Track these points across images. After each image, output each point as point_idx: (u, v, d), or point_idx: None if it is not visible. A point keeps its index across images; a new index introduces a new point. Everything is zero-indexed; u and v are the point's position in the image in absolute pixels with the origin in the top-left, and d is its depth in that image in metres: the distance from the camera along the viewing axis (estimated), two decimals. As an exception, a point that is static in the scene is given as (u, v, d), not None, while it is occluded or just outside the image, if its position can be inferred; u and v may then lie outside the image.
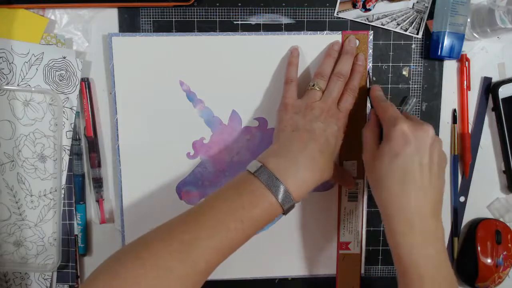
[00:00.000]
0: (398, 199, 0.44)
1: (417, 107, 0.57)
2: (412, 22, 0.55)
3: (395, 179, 0.44)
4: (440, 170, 0.46)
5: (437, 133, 0.57)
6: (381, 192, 0.46)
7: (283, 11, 0.54)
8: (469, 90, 0.57)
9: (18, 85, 0.53)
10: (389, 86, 0.56)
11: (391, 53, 0.56)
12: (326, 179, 0.48)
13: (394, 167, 0.44)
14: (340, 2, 0.54)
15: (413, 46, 0.56)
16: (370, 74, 0.55)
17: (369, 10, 0.54)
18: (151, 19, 0.53)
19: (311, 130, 0.47)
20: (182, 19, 0.54)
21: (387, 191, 0.45)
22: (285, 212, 0.45)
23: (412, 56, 0.56)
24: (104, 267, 0.41)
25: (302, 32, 0.54)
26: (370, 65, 0.55)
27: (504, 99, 0.56)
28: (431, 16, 0.55)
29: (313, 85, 0.50)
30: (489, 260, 0.58)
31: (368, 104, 0.55)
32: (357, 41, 0.54)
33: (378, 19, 0.55)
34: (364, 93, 0.55)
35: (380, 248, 0.59)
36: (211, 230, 0.42)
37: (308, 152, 0.46)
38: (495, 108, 0.57)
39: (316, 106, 0.49)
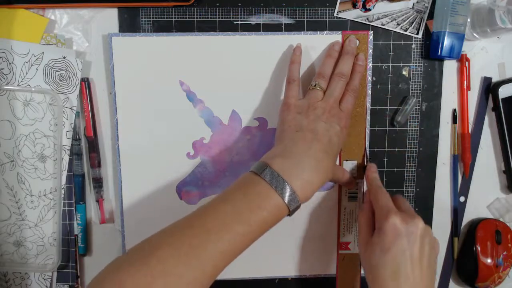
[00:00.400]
0: None
1: (417, 107, 0.57)
2: (412, 22, 0.55)
3: (387, 274, 0.45)
4: (431, 260, 0.47)
5: (437, 133, 0.57)
6: (373, 283, 0.46)
7: (283, 11, 0.54)
8: (469, 90, 0.57)
9: (18, 85, 0.53)
10: (389, 86, 0.56)
11: (391, 53, 0.56)
12: (330, 179, 0.48)
13: (385, 261, 0.45)
14: (340, 2, 0.54)
15: (413, 46, 0.56)
16: (367, 148, 0.56)
17: (369, 10, 0.54)
18: (151, 19, 0.53)
19: (314, 130, 0.47)
20: (182, 19, 0.54)
21: (378, 285, 0.45)
22: (290, 213, 0.45)
23: (412, 56, 0.56)
24: (108, 274, 0.40)
25: (302, 32, 0.54)
26: (370, 65, 0.55)
27: (504, 99, 0.56)
28: (431, 16, 0.55)
29: (315, 85, 0.50)
30: (489, 260, 0.58)
31: (369, 105, 0.55)
32: (358, 41, 0.54)
33: (378, 19, 0.55)
34: (363, 93, 0.55)
35: (380, 248, 0.59)
36: (219, 234, 0.42)
37: (312, 152, 0.46)
38: (495, 108, 0.57)
39: (319, 106, 0.48)
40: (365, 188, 0.57)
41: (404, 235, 0.45)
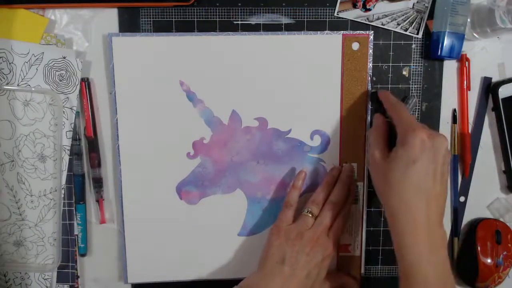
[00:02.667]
0: (409, 207, 0.45)
1: (417, 107, 0.57)
2: (412, 22, 0.55)
3: (410, 186, 0.45)
4: (447, 180, 0.48)
5: (437, 133, 0.57)
6: (392, 198, 0.46)
7: (283, 11, 0.54)
8: (469, 90, 0.57)
9: (18, 85, 0.53)
10: (389, 86, 0.56)
11: (391, 53, 0.56)
12: None
13: (409, 174, 0.45)
14: (340, 2, 0.54)
15: (413, 46, 0.56)
16: (371, 75, 0.55)
17: (369, 10, 0.54)
18: (151, 19, 0.53)
19: (295, 263, 0.49)
20: (182, 19, 0.54)
21: (399, 198, 0.45)
22: None
23: (412, 56, 0.56)
24: None
25: (302, 32, 0.54)
26: (370, 65, 0.55)
27: (504, 99, 0.56)
28: (431, 16, 0.55)
29: (307, 211, 0.52)
30: (489, 260, 0.58)
31: (369, 106, 0.55)
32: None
33: (378, 19, 0.55)
34: (363, 93, 0.55)
35: (380, 248, 0.59)
36: None
37: None
38: (495, 108, 0.57)
39: (306, 235, 0.51)
40: (365, 195, 0.57)
41: (431, 150, 0.45)
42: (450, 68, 0.57)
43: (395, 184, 0.46)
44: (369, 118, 0.56)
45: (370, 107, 0.55)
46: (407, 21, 0.55)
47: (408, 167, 0.45)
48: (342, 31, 0.54)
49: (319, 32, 0.54)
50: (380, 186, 0.49)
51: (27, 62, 0.52)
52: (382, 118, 0.52)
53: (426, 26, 0.55)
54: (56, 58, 0.52)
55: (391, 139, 0.50)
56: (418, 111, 0.57)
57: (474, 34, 0.54)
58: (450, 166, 0.48)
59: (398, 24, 0.55)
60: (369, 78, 0.55)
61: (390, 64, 0.56)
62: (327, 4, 0.54)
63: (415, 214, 0.45)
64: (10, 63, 0.52)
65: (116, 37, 0.53)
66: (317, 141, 0.56)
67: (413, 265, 0.44)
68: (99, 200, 0.56)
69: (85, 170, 0.56)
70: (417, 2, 0.54)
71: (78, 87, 0.53)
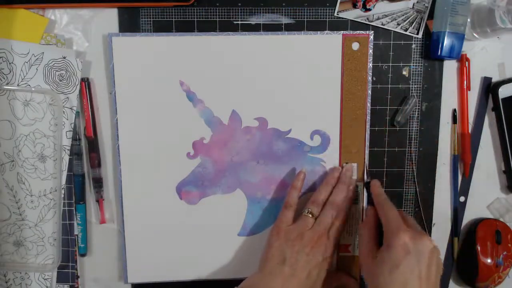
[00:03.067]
0: None
1: (417, 107, 0.57)
2: (412, 22, 0.55)
3: None
4: (437, 279, 0.47)
5: (437, 133, 0.57)
6: None
7: (283, 11, 0.54)
8: (469, 90, 0.57)
9: (18, 85, 0.53)
10: (389, 86, 0.56)
11: (391, 53, 0.56)
12: None
13: (394, 279, 0.45)
14: (340, 2, 0.54)
15: (413, 46, 0.56)
16: (367, 167, 0.56)
17: (369, 10, 0.54)
18: (151, 19, 0.53)
19: (295, 263, 0.50)
20: (182, 19, 0.54)
21: None
22: None
23: (412, 56, 0.56)
24: None
25: (302, 32, 0.54)
26: (370, 65, 0.55)
27: (504, 99, 0.56)
28: (431, 16, 0.55)
29: (307, 212, 0.52)
30: (489, 260, 0.58)
31: (369, 106, 0.55)
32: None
33: (378, 19, 0.55)
34: (363, 93, 0.55)
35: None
36: None
37: None
38: (495, 108, 0.57)
39: (306, 236, 0.51)
40: (365, 196, 0.57)
41: (414, 253, 0.45)
42: (450, 68, 0.57)
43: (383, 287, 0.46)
44: (369, 118, 0.56)
45: (369, 106, 0.55)
46: (407, 21, 0.55)
47: (392, 272, 0.45)
48: (342, 31, 0.54)
49: (319, 32, 0.54)
50: (367, 281, 0.49)
51: (27, 62, 0.52)
52: (373, 212, 0.52)
53: (426, 26, 0.55)
54: (56, 58, 0.52)
55: (382, 233, 0.50)
56: (418, 111, 0.57)
57: (474, 34, 0.54)
58: (442, 264, 0.48)
59: (398, 24, 0.55)
60: (366, 170, 0.56)
61: (390, 64, 0.56)
62: (327, 4, 0.54)
63: None
64: (10, 63, 0.52)
65: (116, 37, 0.53)
66: (317, 141, 0.56)
67: None
68: (99, 200, 0.56)
69: (85, 170, 0.56)
70: (417, 2, 0.54)
71: (78, 87, 0.53)
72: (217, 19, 0.54)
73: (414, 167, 0.58)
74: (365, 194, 0.56)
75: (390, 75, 0.56)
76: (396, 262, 0.45)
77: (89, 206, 0.57)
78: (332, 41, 0.54)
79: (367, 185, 0.55)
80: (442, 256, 0.60)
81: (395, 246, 0.46)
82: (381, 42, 0.55)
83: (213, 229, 0.57)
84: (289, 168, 0.56)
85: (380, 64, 0.56)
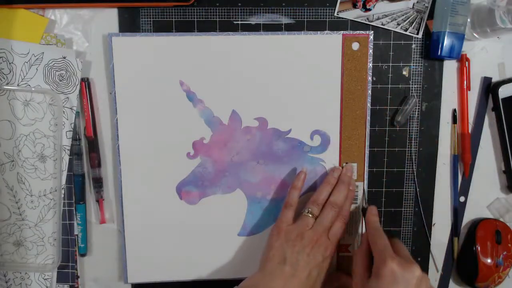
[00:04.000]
0: None
1: (417, 107, 0.57)
2: (412, 22, 0.55)
3: None
4: None
5: (437, 133, 0.57)
6: None
7: (283, 11, 0.54)
8: (469, 90, 0.57)
9: (18, 85, 0.53)
10: (389, 86, 0.56)
11: (391, 53, 0.56)
12: None
13: None
14: (340, 2, 0.54)
15: (413, 46, 0.56)
16: (366, 192, 0.56)
17: (369, 10, 0.54)
18: (151, 19, 0.53)
19: (295, 263, 0.50)
20: (182, 19, 0.54)
21: None
22: None
23: (412, 56, 0.56)
24: None
25: (302, 32, 0.54)
26: (370, 65, 0.55)
27: (504, 99, 0.56)
28: (431, 16, 0.55)
29: (307, 212, 0.52)
30: (489, 260, 0.58)
31: (369, 106, 0.55)
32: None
33: (378, 19, 0.55)
34: (363, 94, 0.55)
35: (380, 248, 0.59)
36: None
37: None
38: (495, 108, 0.57)
39: (306, 236, 0.51)
40: (365, 189, 0.57)
41: (401, 282, 0.45)
42: (450, 68, 0.57)
43: None
44: (369, 118, 0.56)
45: (369, 106, 0.55)
46: (407, 21, 0.55)
47: None
48: (342, 31, 0.54)
49: (319, 32, 0.54)
50: None
51: (27, 62, 0.52)
52: (366, 242, 0.52)
53: (426, 26, 0.55)
54: (56, 58, 0.52)
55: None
56: (418, 111, 0.57)
57: (474, 34, 0.54)
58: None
59: (398, 24, 0.55)
60: (364, 197, 0.56)
61: (390, 64, 0.56)
62: (327, 4, 0.54)
63: None
64: (10, 63, 0.52)
65: (116, 37, 0.53)
66: (317, 141, 0.56)
67: None
68: (99, 200, 0.56)
69: (85, 170, 0.56)
70: (417, 2, 0.54)
71: (78, 87, 0.53)
72: (217, 19, 0.54)
73: (414, 167, 0.58)
74: (363, 220, 0.56)
75: (390, 75, 0.56)
76: None
77: (89, 206, 0.57)
78: (332, 41, 0.54)
79: (364, 211, 0.55)
80: (442, 256, 0.60)
81: (383, 275, 0.46)
82: (381, 42, 0.55)
83: (213, 229, 0.57)
84: (289, 168, 0.56)
85: (380, 64, 0.56)
